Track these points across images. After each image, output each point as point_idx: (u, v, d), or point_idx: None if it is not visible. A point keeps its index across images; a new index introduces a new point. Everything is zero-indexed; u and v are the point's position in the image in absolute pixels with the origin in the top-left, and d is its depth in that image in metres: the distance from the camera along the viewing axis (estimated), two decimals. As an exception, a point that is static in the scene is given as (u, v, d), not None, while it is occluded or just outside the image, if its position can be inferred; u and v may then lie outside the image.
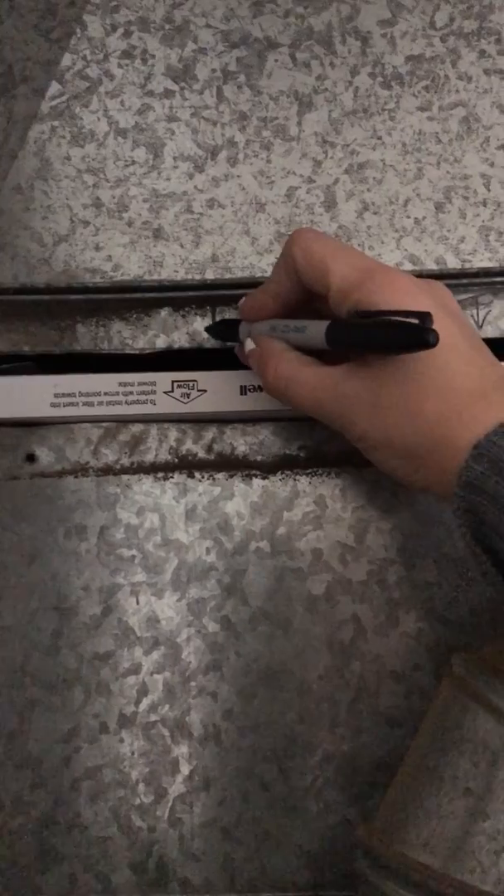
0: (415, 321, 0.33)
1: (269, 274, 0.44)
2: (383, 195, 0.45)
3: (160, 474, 0.44)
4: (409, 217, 0.44)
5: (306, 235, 0.38)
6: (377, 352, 0.35)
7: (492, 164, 0.45)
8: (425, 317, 0.33)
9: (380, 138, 0.45)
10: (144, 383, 0.44)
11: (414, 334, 0.32)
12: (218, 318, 0.45)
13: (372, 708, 0.43)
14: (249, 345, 0.41)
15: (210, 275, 0.44)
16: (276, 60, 0.46)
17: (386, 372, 0.35)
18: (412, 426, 0.35)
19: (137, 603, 0.43)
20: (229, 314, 0.45)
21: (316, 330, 0.37)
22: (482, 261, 0.44)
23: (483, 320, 0.44)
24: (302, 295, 0.39)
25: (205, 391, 0.44)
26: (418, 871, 0.32)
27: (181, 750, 0.43)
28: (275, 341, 0.40)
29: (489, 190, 0.44)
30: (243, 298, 0.42)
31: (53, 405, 0.44)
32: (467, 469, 0.33)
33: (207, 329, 0.44)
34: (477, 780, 0.32)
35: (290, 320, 0.39)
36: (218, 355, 0.45)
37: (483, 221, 0.44)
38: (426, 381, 0.34)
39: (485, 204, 0.44)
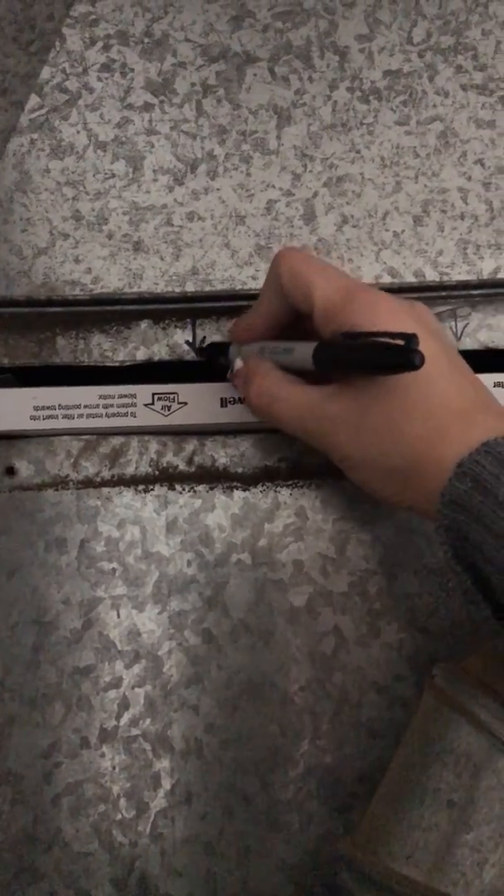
0: (400, 342, 0.33)
1: (248, 286, 0.44)
2: (362, 208, 0.45)
3: (141, 487, 0.44)
4: (387, 230, 0.45)
5: (291, 255, 0.38)
6: (363, 373, 0.35)
7: (469, 178, 0.45)
8: (411, 338, 0.33)
9: (358, 152, 0.45)
10: (125, 396, 0.44)
11: (400, 356, 0.33)
12: (205, 340, 0.45)
13: (354, 719, 0.43)
14: (238, 364, 0.41)
15: (190, 287, 0.44)
16: (255, 74, 0.46)
17: (370, 393, 0.35)
18: (396, 447, 0.35)
19: (118, 616, 0.43)
20: (209, 327, 0.45)
21: (303, 351, 0.37)
22: (460, 274, 0.44)
23: (461, 332, 0.45)
24: (291, 315, 0.39)
25: (185, 404, 0.44)
26: (402, 884, 0.32)
27: (163, 764, 0.42)
28: (263, 360, 0.40)
29: (467, 203, 0.45)
30: (234, 321, 0.42)
31: (33, 418, 0.44)
32: (451, 487, 0.33)
33: (198, 352, 0.45)
34: (460, 792, 0.32)
35: (278, 342, 0.40)
36: (198, 368, 0.45)
37: (461, 235, 0.45)
38: (410, 402, 0.35)
39: (462, 217, 0.45)
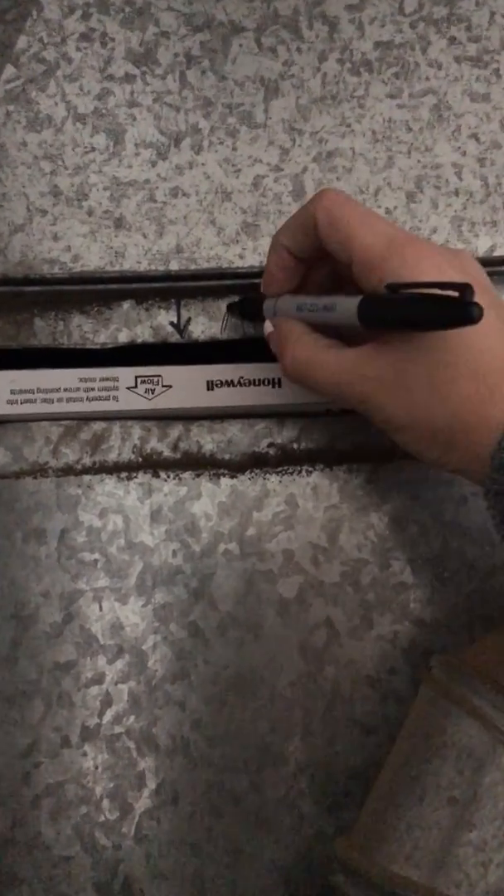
0: (454, 294, 0.31)
1: (235, 265, 0.43)
2: (353, 184, 0.43)
3: (123, 474, 0.42)
4: (379, 207, 0.43)
5: (331, 198, 0.35)
6: (414, 329, 0.33)
7: (463, 154, 0.44)
8: (465, 289, 0.31)
9: (349, 126, 0.44)
10: (106, 379, 0.42)
11: (456, 309, 0.30)
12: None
13: (346, 715, 0.41)
14: (268, 327, 0.39)
15: (174, 266, 0.43)
16: (240, 45, 0.44)
17: (412, 351, 0.33)
18: (442, 407, 0.33)
19: (100, 609, 0.42)
20: (194, 307, 0.43)
21: (346, 307, 0.34)
22: (455, 252, 0.43)
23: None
24: (319, 252, 0.37)
25: (170, 387, 0.42)
26: (401, 886, 0.30)
27: (147, 763, 0.41)
28: (294, 323, 0.38)
29: (461, 179, 0.43)
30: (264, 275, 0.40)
31: (10, 402, 0.42)
32: (500, 450, 0.31)
33: (230, 307, 0.43)
34: (462, 788, 0.31)
35: (317, 298, 0.37)
36: (183, 349, 0.43)
37: (455, 211, 0.43)
38: (456, 360, 0.33)
39: (457, 194, 0.43)
